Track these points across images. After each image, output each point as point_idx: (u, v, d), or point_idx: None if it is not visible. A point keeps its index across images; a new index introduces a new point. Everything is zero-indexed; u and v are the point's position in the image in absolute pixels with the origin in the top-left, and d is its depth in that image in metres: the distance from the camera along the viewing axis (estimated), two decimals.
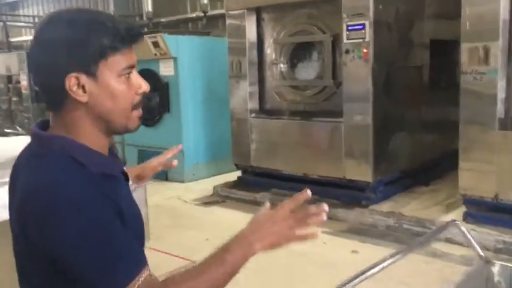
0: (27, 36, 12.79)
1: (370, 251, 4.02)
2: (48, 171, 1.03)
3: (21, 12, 13.72)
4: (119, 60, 1.07)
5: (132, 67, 1.10)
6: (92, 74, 1.05)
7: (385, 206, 4.73)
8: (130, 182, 1.45)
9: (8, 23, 11.73)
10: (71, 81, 1.04)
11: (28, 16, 12.97)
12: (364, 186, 4.84)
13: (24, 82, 8.54)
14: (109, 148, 1.19)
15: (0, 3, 13.95)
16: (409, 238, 4.22)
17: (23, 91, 8.32)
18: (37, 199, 0.99)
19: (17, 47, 11.84)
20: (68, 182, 1.01)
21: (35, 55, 1.05)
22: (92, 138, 1.10)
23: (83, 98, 1.06)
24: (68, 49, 1.03)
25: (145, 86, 1.14)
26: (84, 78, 1.05)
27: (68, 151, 1.06)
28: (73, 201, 0.99)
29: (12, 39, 12.19)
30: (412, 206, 4.71)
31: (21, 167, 1.08)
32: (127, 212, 1.09)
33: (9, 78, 8.82)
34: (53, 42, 1.03)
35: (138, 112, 1.14)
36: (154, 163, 1.68)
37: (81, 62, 1.04)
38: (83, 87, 1.05)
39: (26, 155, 1.10)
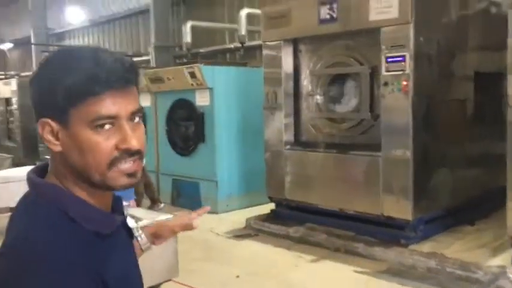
0: None
1: None
2: (31, 228, 0.92)
3: (67, 42, 14.28)
4: (91, 109, 0.90)
5: (111, 117, 0.91)
6: (62, 120, 0.92)
7: (426, 246, 4.46)
8: (142, 239, 1.36)
9: None
10: (44, 127, 0.93)
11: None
12: (404, 224, 4.60)
13: None
14: (115, 200, 1.08)
15: (48, 34, 14.57)
16: (452, 282, 3.95)
17: None
18: (10, 257, 0.89)
19: None
20: (49, 247, 0.88)
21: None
22: (82, 190, 0.97)
23: (56, 147, 0.94)
24: (41, 92, 0.93)
25: (131, 142, 0.92)
26: (55, 125, 0.93)
27: (59, 203, 0.94)
28: (44, 273, 0.86)
29: None
30: (456, 247, 4.43)
31: (16, 215, 0.98)
32: (116, 277, 0.96)
33: None
34: (36, 83, 0.94)
35: (118, 170, 0.93)
36: (174, 224, 1.54)
37: (52, 107, 0.92)
38: (57, 135, 0.93)
39: (22, 202, 0.98)
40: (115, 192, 1.02)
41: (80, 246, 0.91)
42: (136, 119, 0.96)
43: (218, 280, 4.20)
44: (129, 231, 1.13)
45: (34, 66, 12.46)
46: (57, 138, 0.93)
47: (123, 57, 0.96)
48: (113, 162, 0.93)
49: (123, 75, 0.93)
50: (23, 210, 0.96)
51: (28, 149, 10.57)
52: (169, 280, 3.75)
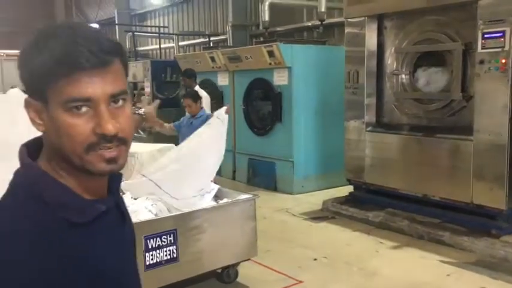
0: (153, 46, 13.65)
1: None
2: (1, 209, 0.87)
3: (148, 23, 14.70)
4: (63, 90, 0.84)
5: (87, 100, 0.85)
6: (43, 101, 0.86)
7: None
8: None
9: (136, 33, 12.60)
10: (28, 106, 0.89)
11: (154, 26, 13.84)
12: (496, 214, 4.28)
13: (147, 89, 9.05)
14: (114, 179, 1.00)
15: (131, 15, 15.08)
16: None
17: (146, 97, 8.81)
18: None
19: (143, 55, 12.67)
20: (9, 233, 0.83)
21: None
22: (68, 174, 0.90)
23: (39, 126, 0.89)
24: (21, 71, 0.88)
25: (107, 127, 0.85)
26: (37, 105, 0.88)
27: (37, 186, 0.88)
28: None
29: (139, 48, 13.07)
30: None
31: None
32: (90, 269, 0.88)
33: (134, 85, 9.41)
34: (19, 59, 0.89)
35: (96, 154, 0.87)
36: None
37: (32, 87, 0.87)
38: (40, 115, 0.88)
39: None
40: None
41: (44, 232, 0.85)
42: (120, 102, 0.89)
43: (295, 262, 4.14)
44: (123, 214, 1.03)
45: None
46: (40, 118, 0.88)
47: (100, 35, 0.89)
48: (90, 147, 0.87)
49: (98, 55, 0.85)
50: (8, 188, 0.92)
51: None
52: (248, 259, 3.75)
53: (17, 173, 0.92)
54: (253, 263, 3.91)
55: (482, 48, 4.15)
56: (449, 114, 4.72)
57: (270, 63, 6.46)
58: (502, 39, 4.03)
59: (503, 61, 4.03)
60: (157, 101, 4.63)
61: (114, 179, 1.00)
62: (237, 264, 3.70)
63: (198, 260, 3.38)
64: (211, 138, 3.72)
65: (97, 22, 16.34)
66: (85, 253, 0.88)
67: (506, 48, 4.01)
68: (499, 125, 4.12)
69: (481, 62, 4.16)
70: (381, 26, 5.27)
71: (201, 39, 11.71)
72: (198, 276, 3.42)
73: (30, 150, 0.93)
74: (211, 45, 10.29)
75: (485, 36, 4.11)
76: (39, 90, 0.86)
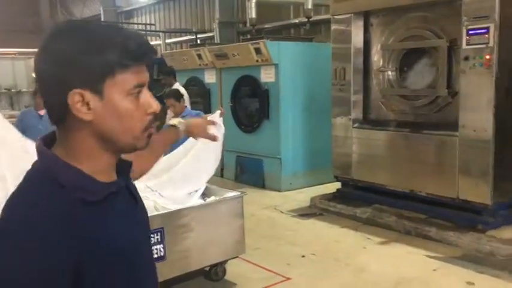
0: None
1: (489, 285, 3.56)
2: (17, 190, 0.96)
3: (135, 20, 14.58)
4: (127, 78, 0.97)
5: (142, 85, 1.00)
6: (97, 91, 0.95)
7: (506, 233, 4.18)
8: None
9: None
10: (74, 98, 0.95)
11: (141, 24, 13.74)
12: (481, 209, 4.32)
13: None
14: (123, 165, 1.09)
15: (117, 12, 14.95)
16: None
17: None
18: None
19: None
20: (22, 210, 0.91)
21: (39, 65, 0.98)
22: (91, 158, 1.00)
23: (87, 115, 0.96)
24: (73, 63, 0.94)
25: (155, 106, 1.02)
26: (88, 95, 0.95)
27: (52, 170, 0.96)
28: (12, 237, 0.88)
29: None
30: None
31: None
32: (105, 245, 0.95)
33: None
34: (58, 54, 0.95)
35: (148, 132, 1.03)
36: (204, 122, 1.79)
37: (87, 78, 0.95)
38: (87, 104, 0.96)
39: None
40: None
41: (59, 212, 0.92)
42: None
43: (284, 259, 4.15)
44: (134, 197, 1.11)
45: None
46: (88, 108, 0.96)
47: (139, 34, 1.04)
48: (147, 126, 1.01)
49: (149, 49, 1.02)
50: (24, 175, 1.00)
51: None
52: (236, 257, 3.74)
53: (33, 163, 1.00)
54: (242, 261, 3.91)
55: (466, 45, 4.18)
56: (435, 110, 4.76)
57: (257, 60, 6.45)
58: (487, 35, 4.06)
59: (488, 57, 4.06)
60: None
61: (123, 164, 1.09)
62: (225, 262, 3.69)
63: (186, 259, 3.36)
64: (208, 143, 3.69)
65: (82, 20, 16.15)
66: (97, 233, 0.94)
67: (491, 44, 4.05)
68: (484, 120, 4.16)
69: (466, 58, 4.20)
70: (367, 23, 5.28)
71: (188, 37, 11.65)
72: (185, 274, 3.41)
73: (46, 142, 1.02)
74: (198, 42, 10.24)
75: (470, 32, 4.14)
76: (96, 81, 0.95)
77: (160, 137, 1.63)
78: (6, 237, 0.89)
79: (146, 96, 1.00)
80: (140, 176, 1.47)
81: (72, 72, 0.94)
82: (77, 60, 0.94)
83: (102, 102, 0.96)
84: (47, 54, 0.96)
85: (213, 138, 1.81)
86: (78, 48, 0.94)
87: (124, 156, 1.09)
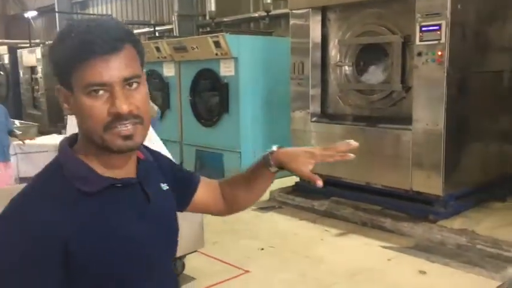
0: None
1: (440, 272, 3.69)
2: (31, 181, 1.04)
3: (90, 10, 14.19)
4: (82, 75, 0.96)
5: (103, 84, 0.96)
6: (69, 87, 0.99)
7: (456, 223, 4.35)
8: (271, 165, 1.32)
9: None
10: (59, 94, 1.02)
11: (97, 15, 13.38)
12: (433, 200, 4.48)
13: None
14: (144, 167, 1.13)
15: (71, 3, 14.49)
16: (482, 260, 3.85)
17: None
18: None
19: None
20: (26, 196, 0.99)
21: None
22: (92, 154, 1.04)
23: (67, 111, 1.03)
24: (52, 61, 1.00)
25: (121, 107, 0.96)
26: (64, 91, 1.01)
27: (60, 163, 1.04)
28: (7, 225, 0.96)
29: None
30: (487, 224, 4.30)
31: None
32: (104, 233, 0.99)
33: None
34: (49, 54, 1.03)
35: (113, 133, 0.98)
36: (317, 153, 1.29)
37: (59, 75, 1.00)
38: (68, 100, 1.01)
39: None
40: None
41: (57, 197, 0.98)
42: (134, 85, 0.99)
43: (243, 252, 4.17)
44: (147, 195, 1.10)
45: None
46: (68, 103, 1.01)
47: (111, 24, 0.99)
48: (107, 126, 0.97)
49: (110, 42, 0.95)
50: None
51: (53, 118, 10.67)
52: (195, 251, 3.73)
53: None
54: (200, 255, 3.90)
55: (420, 41, 4.30)
56: (390, 104, 4.88)
57: (217, 54, 6.41)
58: (439, 32, 4.19)
59: (440, 53, 4.19)
60: None
61: (144, 165, 1.12)
62: (184, 256, 3.67)
63: None
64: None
65: (36, 9, 15.60)
66: (90, 220, 0.98)
67: (443, 40, 4.18)
68: (436, 115, 4.30)
69: (419, 54, 4.32)
70: (325, 18, 5.35)
71: (147, 29, 11.44)
72: None
73: (71, 140, 1.08)
74: (157, 35, 10.08)
75: (423, 29, 4.26)
76: (66, 78, 0.98)
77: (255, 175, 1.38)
78: (4, 217, 0.97)
79: (114, 95, 0.96)
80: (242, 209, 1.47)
81: (52, 69, 1.01)
82: (54, 59, 0.99)
83: (73, 98, 0.99)
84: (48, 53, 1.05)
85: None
86: (56, 47, 0.99)
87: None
